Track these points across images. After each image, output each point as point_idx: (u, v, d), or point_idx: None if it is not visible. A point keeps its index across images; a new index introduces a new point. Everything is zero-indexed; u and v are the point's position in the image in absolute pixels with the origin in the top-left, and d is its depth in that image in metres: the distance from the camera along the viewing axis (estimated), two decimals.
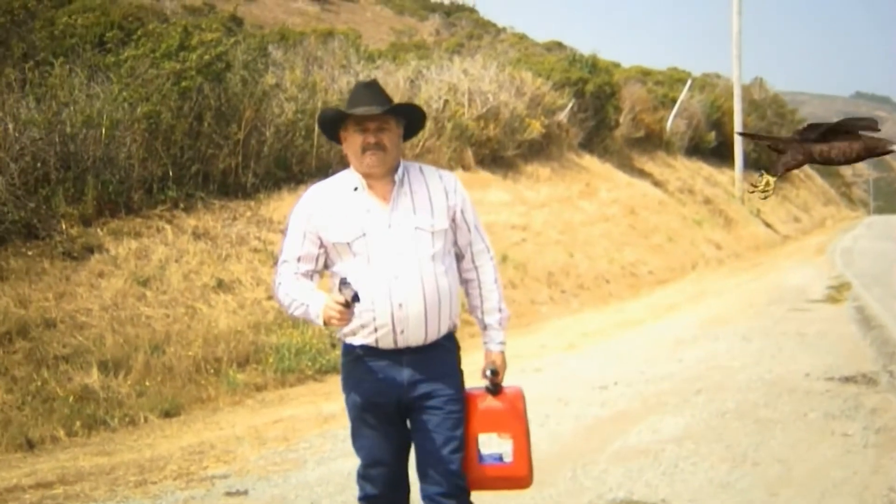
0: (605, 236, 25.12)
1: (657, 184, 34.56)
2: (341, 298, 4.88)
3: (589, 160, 31.67)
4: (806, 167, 44.47)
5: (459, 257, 5.71)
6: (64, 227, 14.01)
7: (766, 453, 8.73)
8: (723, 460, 8.54)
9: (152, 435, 10.37)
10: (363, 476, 5.50)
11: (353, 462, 8.83)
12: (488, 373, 5.69)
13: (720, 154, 43.39)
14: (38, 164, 14.50)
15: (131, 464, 8.99)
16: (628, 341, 15.53)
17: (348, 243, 5.24)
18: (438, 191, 5.49)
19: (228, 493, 8.04)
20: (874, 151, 4.62)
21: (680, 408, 10.63)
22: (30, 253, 13.26)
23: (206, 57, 17.12)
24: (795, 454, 8.70)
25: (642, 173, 34.96)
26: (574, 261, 22.09)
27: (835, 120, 4.65)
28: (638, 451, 8.99)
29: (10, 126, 14.39)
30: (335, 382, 12.80)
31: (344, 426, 10.28)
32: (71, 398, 10.77)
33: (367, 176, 5.34)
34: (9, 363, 11.08)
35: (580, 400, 11.17)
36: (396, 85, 24.29)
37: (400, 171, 5.38)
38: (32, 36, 17.28)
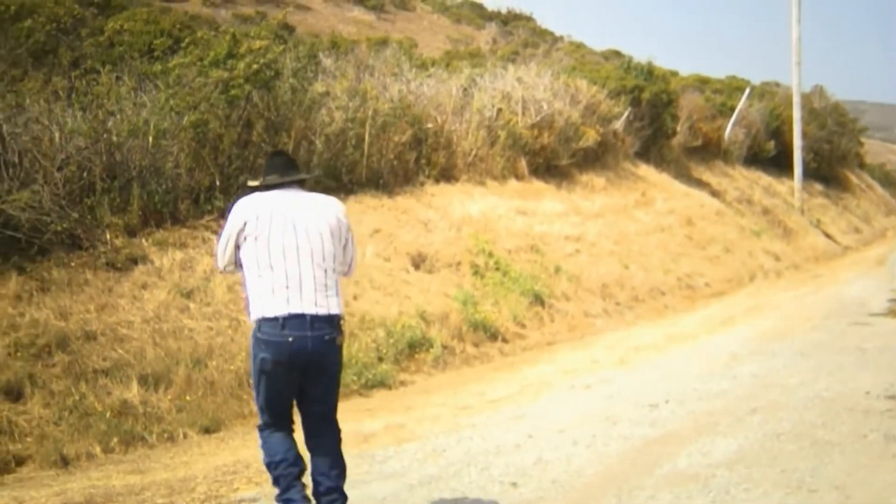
0: (661, 247, 24.75)
1: (715, 194, 34.12)
2: None
3: (645, 169, 31.30)
4: (867, 177, 43.72)
5: None
6: (108, 237, 13.85)
7: (823, 478, 8.36)
8: (777, 486, 8.18)
9: (189, 452, 10.15)
10: None
11: (390, 487, 8.62)
12: None
13: (779, 163, 42.80)
14: (84, 174, 14.37)
15: (162, 484, 8.76)
16: (681, 356, 15.17)
17: None
18: None
19: None
20: None
21: (733, 428, 10.28)
22: (73, 264, 13.09)
23: (255, 65, 16.93)
24: (854, 480, 8.34)
25: (700, 183, 34.53)
26: (629, 272, 21.74)
27: None
28: (687, 475, 8.66)
29: (57, 135, 14.26)
30: (381, 397, 12.67)
31: (383, 446, 10.09)
32: (109, 413, 10.57)
33: None
34: (47, 377, 10.89)
35: (629, 419, 10.85)
36: (449, 93, 24.03)
37: None
38: (80, 44, 17.17)
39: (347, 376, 12.86)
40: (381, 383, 13.19)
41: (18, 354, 11.00)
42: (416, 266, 17.34)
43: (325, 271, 6.97)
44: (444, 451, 9.79)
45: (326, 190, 18.01)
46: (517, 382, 13.43)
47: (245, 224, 6.94)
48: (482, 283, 17.63)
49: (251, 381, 7.42)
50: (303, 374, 6.92)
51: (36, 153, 13.86)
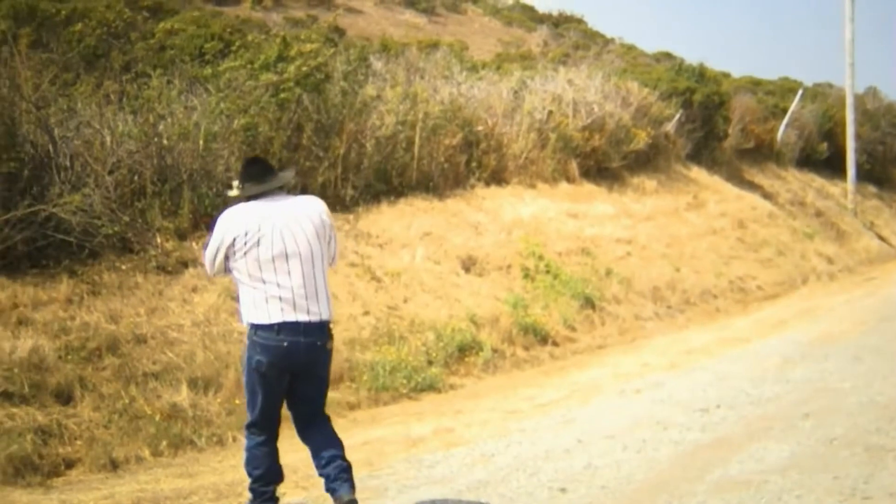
0: (713, 250, 24.56)
1: (767, 196, 33.83)
2: None
3: (697, 172, 31.08)
4: None
5: None
6: (159, 240, 13.90)
7: (878, 486, 8.27)
8: (830, 493, 8.09)
9: (238, 455, 10.05)
10: None
11: (438, 492, 8.58)
12: None
13: (832, 165, 42.36)
14: (134, 177, 14.44)
15: (210, 488, 8.77)
16: (733, 360, 15.02)
17: None
18: None
19: None
20: None
21: (785, 433, 10.18)
22: (123, 267, 13.15)
23: (305, 68, 16.94)
24: None
25: (752, 185, 34.24)
26: (680, 275, 21.59)
27: None
28: (739, 481, 8.58)
29: (108, 138, 14.32)
30: (430, 401, 12.63)
31: (432, 451, 10.05)
32: (158, 416, 10.58)
33: None
34: (97, 380, 10.92)
35: (680, 424, 10.77)
36: (500, 96, 23.97)
37: None
38: (131, 48, 17.25)
39: (397, 379, 12.85)
40: (431, 387, 13.15)
41: (69, 357, 11.04)
42: (467, 269, 17.30)
43: (315, 279, 7.35)
44: (492, 456, 9.75)
45: (377, 193, 18.20)
46: (567, 386, 13.36)
47: (234, 240, 7.24)
48: (532, 286, 17.55)
49: (243, 384, 7.67)
50: (294, 377, 7.38)
51: (87, 157, 13.93)
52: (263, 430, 7.50)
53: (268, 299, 7.19)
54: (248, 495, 7.56)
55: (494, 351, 14.82)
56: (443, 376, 13.50)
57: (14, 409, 10.07)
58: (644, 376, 13.85)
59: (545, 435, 10.56)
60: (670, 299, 20.23)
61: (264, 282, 7.20)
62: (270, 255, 7.21)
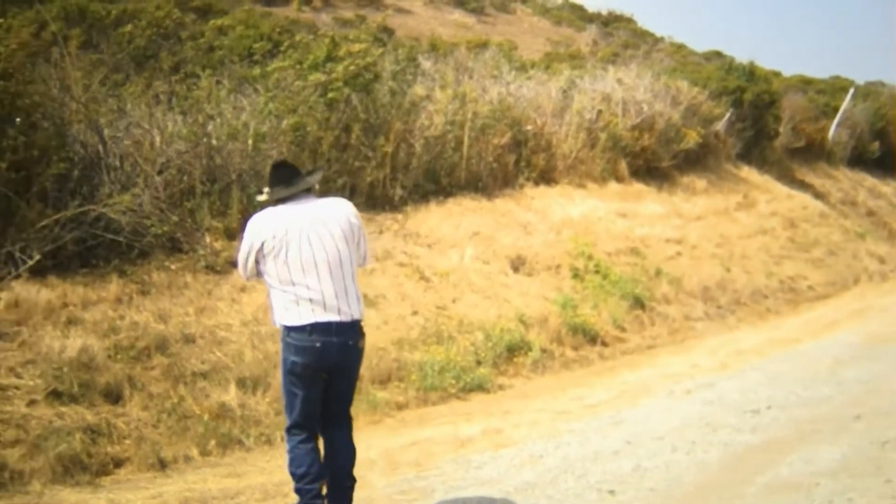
0: (764, 250, 24.38)
1: (818, 195, 33.58)
2: None
3: (747, 171, 30.89)
4: None
5: None
6: (208, 240, 13.92)
7: None
8: (882, 497, 8.00)
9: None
10: None
11: (486, 493, 8.55)
12: None
13: (884, 164, 41.98)
14: (184, 177, 14.46)
15: (257, 488, 8.77)
16: (784, 361, 14.90)
17: None
18: None
19: None
20: None
21: (837, 436, 10.08)
22: (172, 267, 13.19)
23: (353, 68, 16.95)
24: None
25: (803, 185, 34.00)
26: (731, 275, 21.44)
27: None
28: (789, 484, 8.49)
29: (157, 138, 14.37)
30: (479, 401, 12.59)
31: (480, 451, 10.02)
32: (207, 416, 10.58)
33: None
34: (146, 379, 10.95)
35: (730, 425, 10.69)
36: (549, 95, 23.90)
37: None
38: (181, 48, 17.32)
39: (446, 379, 12.81)
40: (480, 387, 13.10)
41: (118, 357, 11.07)
42: (516, 269, 17.24)
43: (344, 277, 7.41)
44: (541, 458, 9.70)
45: (426, 193, 18.18)
46: (616, 387, 13.29)
47: (262, 244, 7.35)
48: (582, 286, 17.47)
49: (281, 385, 7.74)
50: (328, 375, 7.44)
51: (137, 157, 13.99)
52: (304, 430, 7.53)
53: (298, 301, 7.28)
54: (294, 497, 7.55)
55: (543, 351, 14.76)
56: (491, 376, 13.44)
57: (63, 409, 10.11)
58: (694, 377, 13.77)
59: (594, 436, 10.51)
60: (720, 299, 20.09)
61: (294, 283, 7.30)
62: (298, 257, 7.30)
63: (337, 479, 7.53)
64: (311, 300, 7.26)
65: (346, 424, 7.73)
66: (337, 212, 7.60)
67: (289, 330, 7.32)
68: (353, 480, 7.61)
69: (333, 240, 7.42)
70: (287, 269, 7.30)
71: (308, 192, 7.68)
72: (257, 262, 7.45)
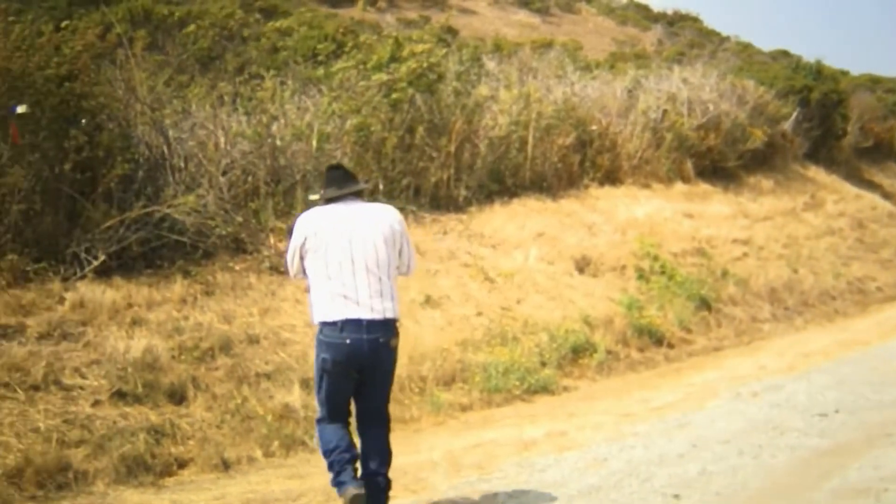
0: (832, 250, 24.14)
1: (887, 195, 33.22)
2: None
3: (814, 171, 30.62)
4: None
5: None
6: (272, 241, 13.95)
7: None
8: None
9: None
10: None
11: (548, 497, 8.47)
12: None
13: None
14: (248, 178, 14.54)
15: (320, 490, 8.71)
16: (853, 363, 14.69)
17: None
18: None
19: None
20: None
21: None
22: (237, 268, 13.22)
23: (417, 68, 16.93)
24: None
25: (871, 184, 33.66)
26: (798, 276, 21.23)
27: None
28: (857, 489, 8.35)
29: (222, 139, 14.42)
30: (543, 403, 12.51)
31: (543, 454, 9.94)
32: (270, 417, 10.57)
33: None
34: (210, 380, 10.96)
35: (797, 429, 10.54)
36: (614, 95, 23.80)
37: None
38: (245, 48, 17.40)
39: (510, 381, 12.74)
40: (544, 389, 13.02)
41: (182, 357, 11.10)
42: (580, 270, 17.15)
43: (380, 279, 7.57)
44: (605, 461, 9.61)
45: (490, 193, 18.13)
46: (682, 389, 13.16)
47: (305, 240, 7.63)
48: (647, 287, 17.35)
49: (314, 379, 8.01)
50: (359, 373, 7.59)
51: (201, 158, 14.06)
52: (333, 422, 7.76)
53: (333, 297, 7.46)
54: (329, 476, 7.71)
55: (608, 352, 14.66)
56: (556, 378, 13.36)
57: (127, 409, 10.15)
58: (761, 379, 13.60)
59: (659, 439, 10.40)
60: (788, 301, 19.89)
61: (330, 278, 7.49)
62: (338, 254, 7.51)
63: (371, 479, 7.62)
64: (344, 296, 7.44)
65: (382, 424, 7.86)
66: (381, 215, 7.85)
67: (322, 326, 7.54)
68: (388, 482, 7.73)
69: (373, 240, 7.62)
70: (325, 266, 7.51)
71: (358, 195, 7.94)
72: (302, 258, 7.71)
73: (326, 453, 7.69)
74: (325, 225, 7.60)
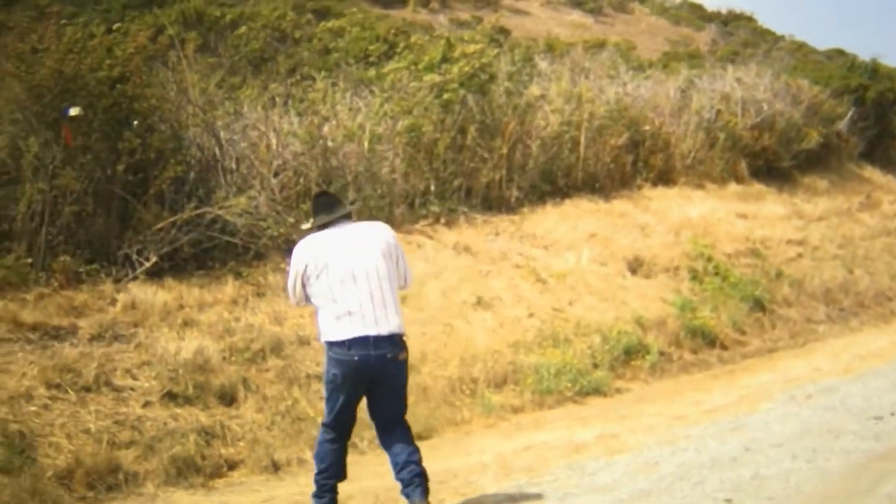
0: (888, 251, 23.86)
1: None
2: None
3: (870, 171, 30.31)
4: None
5: None
6: None
7: None
8: None
9: None
10: None
11: (598, 501, 8.41)
12: None
13: None
14: (300, 179, 14.54)
15: (369, 492, 8.73)
16: None
17: None
18: None
19: None
20: None
21: None
22: (288, 269, 13.22)
23: (469, 69, 16.90)
24: None
25: None
26: (854, 277, 21.01)
27: None
28: None
29: (273, 141, 14.45)
30: (596, 405, 12.44)
31: (594, 457, 9.87)
32: (320, 419, 10.56)
33: None
34: (260, 381, 11.00)
35: (852, 432, 10.41)
36: (667, 95, 23.66)
37: None
38: (296, 50, 17.44)
39: (562, 382, 12.67)
40: (596, 390, 12.95)
41: (233, 359, 11.14)
42: (633, 271, 17.05)
43: (383, 294, 7.82)
44: (656, 464, 9.53)
45: (542, 194, 18.06)
46: (735, 391, 13.05)
47: (306, 267, 7.92)
48: (700, 288, 17.22)
49: (324, 392, 8.33)
50: (369, 387, 7.94)
51: (253, 159, 14.11)
52: (335, 431, 8.07)
53: (339, 317, 7.72)
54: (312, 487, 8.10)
55: (661, 354, 14.56)
56: (608, 380, 13.28)
57: (178, 410, 10.20)
58: (815, 381, 13.46)
59: (711, 442, 10.31)
60: (843, 302, 19.69)
61: (335, 301, 7.76)
62: (339, 276, 7.77)
63: (404, 469, 7.83)
64: (349, 313, 7.69)
65: (402, 432, 8.09)
66: (375, 232, 8.21)
67: (330, 345, 7.83)
68: (424, 470, 7.88)
69: (372, 255, 7.90)
70: (328, 287, 7.78)
71: (347, 218, 8.28)
72: (304, 286, 7.98)
73: (317, 471, 8.08)
74: (322, 248, 7.89)
